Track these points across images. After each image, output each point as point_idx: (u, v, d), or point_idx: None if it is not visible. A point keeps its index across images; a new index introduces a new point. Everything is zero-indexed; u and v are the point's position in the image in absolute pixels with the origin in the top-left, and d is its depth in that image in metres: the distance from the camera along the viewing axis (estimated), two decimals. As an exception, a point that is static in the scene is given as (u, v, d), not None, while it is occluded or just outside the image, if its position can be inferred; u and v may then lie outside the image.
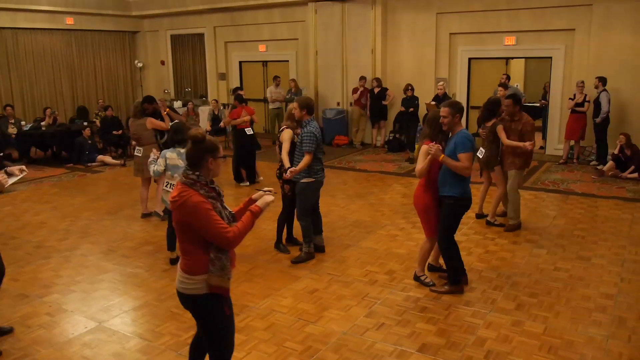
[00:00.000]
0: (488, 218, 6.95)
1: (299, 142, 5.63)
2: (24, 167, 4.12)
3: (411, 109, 11.00)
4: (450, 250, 4.86)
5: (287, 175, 5.56)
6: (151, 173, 5.67)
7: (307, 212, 5.81)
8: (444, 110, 4.64)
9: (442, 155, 4.59)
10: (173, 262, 5.80)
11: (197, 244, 2.90)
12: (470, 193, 4.79)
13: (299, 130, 5.80)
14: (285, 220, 6.09)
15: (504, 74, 11.00)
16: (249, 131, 9.03)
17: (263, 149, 11.26)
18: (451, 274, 4.93)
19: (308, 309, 4.73)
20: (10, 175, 4.21)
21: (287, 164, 5.76)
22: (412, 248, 6.14)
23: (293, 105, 5.70)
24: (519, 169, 6.46)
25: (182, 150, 5.53)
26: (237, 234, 2.92)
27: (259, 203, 3.13)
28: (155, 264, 5.85)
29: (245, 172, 9.30)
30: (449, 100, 4.99)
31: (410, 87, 11.16)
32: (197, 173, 2.91)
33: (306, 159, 5.56)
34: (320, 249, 6.04)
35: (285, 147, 5.78)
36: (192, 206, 2.83)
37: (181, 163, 5.49)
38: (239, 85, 15.27)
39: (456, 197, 4.69)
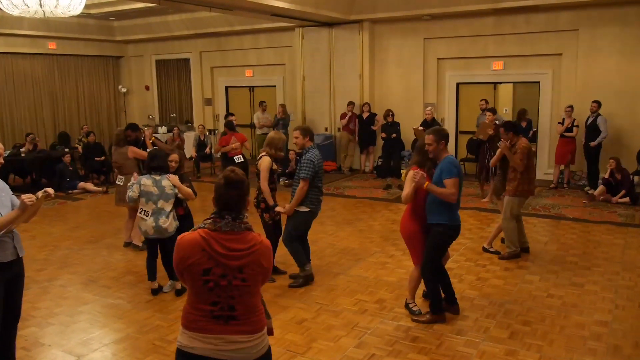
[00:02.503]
0: (485, 244, 6.97)
1: (297, 170, 5.66)
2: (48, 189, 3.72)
3: (393, 135, 11.07)
4: (434, 280, 4.86)
5: (282, 211, 5.66)
6: (126, 198, 5.65)
7: (297, 237, 5.81)
8: (428, 138, 4.71)
9: (427, 183, 4.62)
10: (155, 292, 5.73)
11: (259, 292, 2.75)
12: (459, 220, 4.80)
13: (281, 153, 5.84)
14: None
15: (482, 100, 11.14)
16: (238, 159, 9.00)
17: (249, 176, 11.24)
18: (433, 302, 4.93)
19: (296, 340, 4.67)
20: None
21: (269, 198, 5.74)
22: (403, 276, 6.12)
23: (294, 134, 5.72)
24: (513, 196, 6.48)
25: (158, 178, 5.50)
26: None
27: None
28: (138, 295, 5.77)
29: None
30: (434, 127, 5.05)
31: (390, 113, 11.27)
32: (246, 215, 2.72)
33: (301, 186, 5.58)
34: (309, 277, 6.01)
35: (264, 176, 5.72)
36: (269, 245, 2.73)
37: (155, 190, 5.47)
38: (227, 112, 15.33)
39: (445, 224, 4.71)
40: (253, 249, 2.62)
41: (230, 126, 9.34)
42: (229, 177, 2.65)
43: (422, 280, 5.25)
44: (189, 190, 5.59)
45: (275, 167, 5.87)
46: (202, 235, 2.60)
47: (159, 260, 5.81)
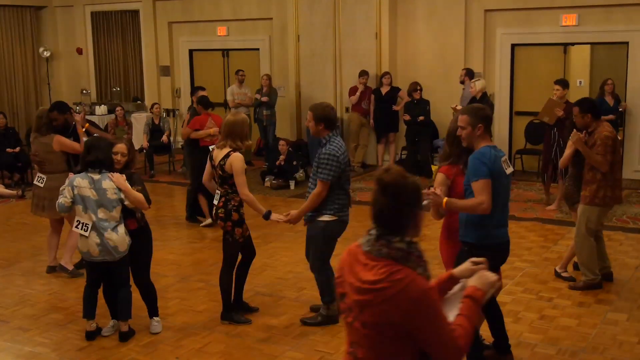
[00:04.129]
0: (557, 268, 7.00)
1: (314, 167, 5.65)
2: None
3: (421, 118, 11.10)
4: None
5: (282, 219, 5.77)
6: (56, 206, 5.67)
7: (326, 261, 5.88)
8: (461, 119, 4.73)
9: (445, 200, 4.64)
10: (90, 336, 5.74)
11: None
12: (500, 237, 4.78)
13: (249, 142, 5.82)
14: (232, 279, 6.04)
15: (463, 69, 11.42)
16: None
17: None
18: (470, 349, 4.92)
19: (287, 402, 4.69)
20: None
21: (258, 206, 5.76)
22: (436, 313, 6.12)
23: (308, 116, 5.70)
24: (591, 204, 6.46)
25: (97, 177, 5.50)
26: (465, 338, 2.58)
27: (478, 284, 2.76)
28: (67, 340, 5.77)
29: (209, 205, 9.26)
30: (470, 105, 5.08)
31: (418, 88, 11.29)
32: (408, 239, 2.61)
33: (319, 191, 5.57)
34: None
35: (242, 180, 5.69)
36: (419, 297, 2.49)
37: (94, 195, 5.47)
38: (192, 85, 15.30)
39: (471, 243, 4.72)
40: (379, 286, 2.52)
41: (205, 103, 9.28)
42: (381, 179, 2.65)
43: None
44: (140, 195, 5.56)
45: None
46: (352, 248, 2.73)
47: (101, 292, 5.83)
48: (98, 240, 5.48)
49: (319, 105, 5.73)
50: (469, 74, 11.54)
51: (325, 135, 5.60)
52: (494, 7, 12.29)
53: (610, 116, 10.41)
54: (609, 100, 10.99)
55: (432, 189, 4.68)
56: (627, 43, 11.50)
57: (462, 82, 11.62)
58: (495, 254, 4.73)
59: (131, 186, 5.57)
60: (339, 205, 5.68)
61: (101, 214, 5.48)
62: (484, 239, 4.69)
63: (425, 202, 4.59)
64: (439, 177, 4.90)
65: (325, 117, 5.57)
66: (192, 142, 9.11)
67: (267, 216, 5.80)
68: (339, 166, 5.53)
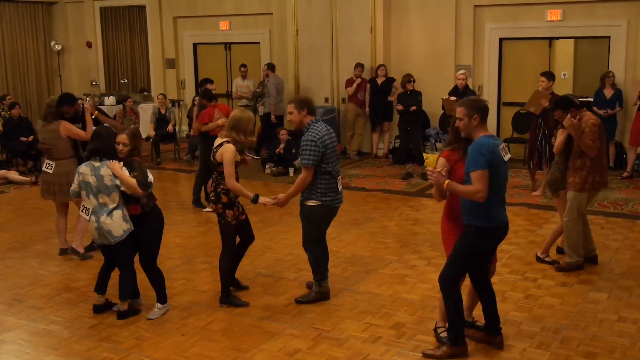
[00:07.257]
0: (538, 253, 7.00)
1: (300, 155, 5.70)
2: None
3: (413, 108, 11.12)
4: (455, 295, 4.90)
5: (270, 202, 5.78)
6: (69, 193, 5.75)
7: (315, 241, 5.89)
8: (458, 111, 4.75)
9: (447, 182, 4.67)
10: (97, 309, 5.80)
11: None
12: (502, 221, 4.82)
13: (254, 138, 5.82)
14: (230, 262, 6.01)
15: (265, 64, 12.73)
16: None
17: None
18: (451, 327, 4.96)
19: (287, 377, 4.71)
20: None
21: (245, 192, 5.72)
22: (427, 292, 6.15)
23: (288, 108, 5.75)
24: (579, 191, 6.47)
25: (97, 164, 5.51)
26: None
27: None
28: (79, 318, 5.79)
29: None
30: (467, 97, 5.09)
31: (411, 79, 11.32)
32: None
33: (302, 176, 5.62)
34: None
35: (230, 172, 5.64)
36: None
37: (94, 181, 5.49)
38: (196, 76, 15.34)
39: (478, 226, 4.74)
40: None
41: (208, 96, 9.29)
42: None
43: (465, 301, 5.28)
44: (133, 181, 5.45)
45: (238, 157, 5.80)
46: None
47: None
48: (96, 225, 5.57)
49: (299, 96, 5.96)
50: (270, 67, 12.88)
51: (308, 122, 5.68)
52: (483, 3, 12.26)
53: (601, 111, 10.52)
54: (608, 92, 10.95)
55: (436, 169, 4.72)
56: (608, 37, 11.47)
57: (267, 76, 12.80)
58: (500, 234, 4.88)
59: (129, 173, 5.54)
60: (322, 190, 5.68)
61: (100, 199, 5.55)
62: (489, 222, 4.74)
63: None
64: (441, 161, 4.90)
65: (307, 103, 5.72)
66: (203, 133, 9.15)
67: (255, 200, 5.74)
68: (318, 150, 5.57)
